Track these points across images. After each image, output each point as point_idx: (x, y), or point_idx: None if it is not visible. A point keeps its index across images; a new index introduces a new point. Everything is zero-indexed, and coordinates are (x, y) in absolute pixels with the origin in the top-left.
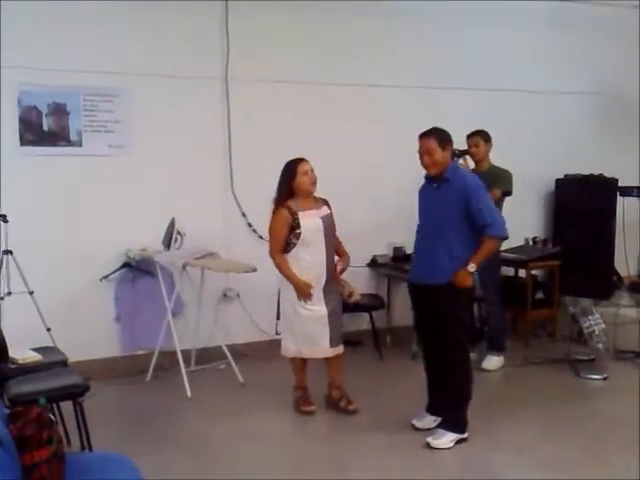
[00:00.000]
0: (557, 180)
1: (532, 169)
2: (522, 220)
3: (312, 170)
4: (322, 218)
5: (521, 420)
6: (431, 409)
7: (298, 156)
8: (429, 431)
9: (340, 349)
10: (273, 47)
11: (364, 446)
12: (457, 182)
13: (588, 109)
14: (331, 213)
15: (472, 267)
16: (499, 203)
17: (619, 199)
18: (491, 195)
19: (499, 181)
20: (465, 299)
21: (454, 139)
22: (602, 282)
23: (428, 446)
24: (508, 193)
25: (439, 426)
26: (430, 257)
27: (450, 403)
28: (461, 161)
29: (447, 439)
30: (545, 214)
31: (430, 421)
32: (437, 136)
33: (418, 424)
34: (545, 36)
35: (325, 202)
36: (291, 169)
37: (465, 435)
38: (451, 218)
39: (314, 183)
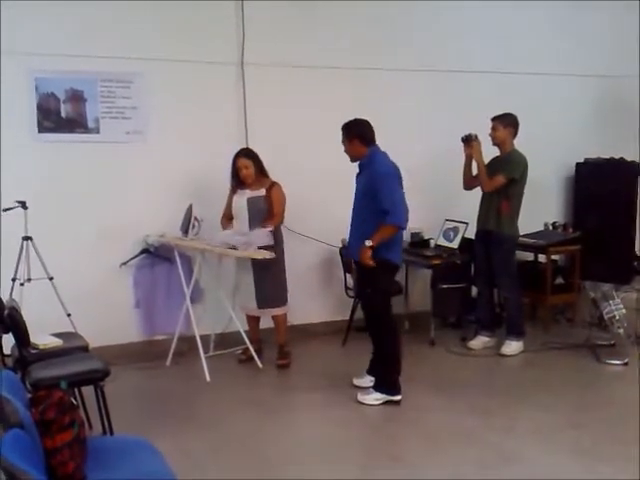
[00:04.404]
0: (577, 164)
1: (552, 153)
2: (542, 205)
3: (246, 167)
4: (249, 198)
5: (540, 404)
6: (370, 371)
7: (313, 141)
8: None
9: (273, 312)
10: (289, 31)
11: (375, 422)
12: (369, 169)
13: (608, 92)
14: (264, 196)
15: (368, 242)
16: (507, 189)
17: None
18: (492, 181)
19: (505, 167)
20: (382, 273)
21: (473, 123)
22: (623, 267)
23: (357, 401)
24: (513, 180)
25: (372, 386)
26: (355, 237)
27: (379, 366)
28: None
29: (372, 397)
30: (565, 199)
31: (367, 381)
32: (345, 128)
33: (356, 381)
34: (564, 18)
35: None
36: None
37: (396, 398)
38: (365, 202)
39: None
